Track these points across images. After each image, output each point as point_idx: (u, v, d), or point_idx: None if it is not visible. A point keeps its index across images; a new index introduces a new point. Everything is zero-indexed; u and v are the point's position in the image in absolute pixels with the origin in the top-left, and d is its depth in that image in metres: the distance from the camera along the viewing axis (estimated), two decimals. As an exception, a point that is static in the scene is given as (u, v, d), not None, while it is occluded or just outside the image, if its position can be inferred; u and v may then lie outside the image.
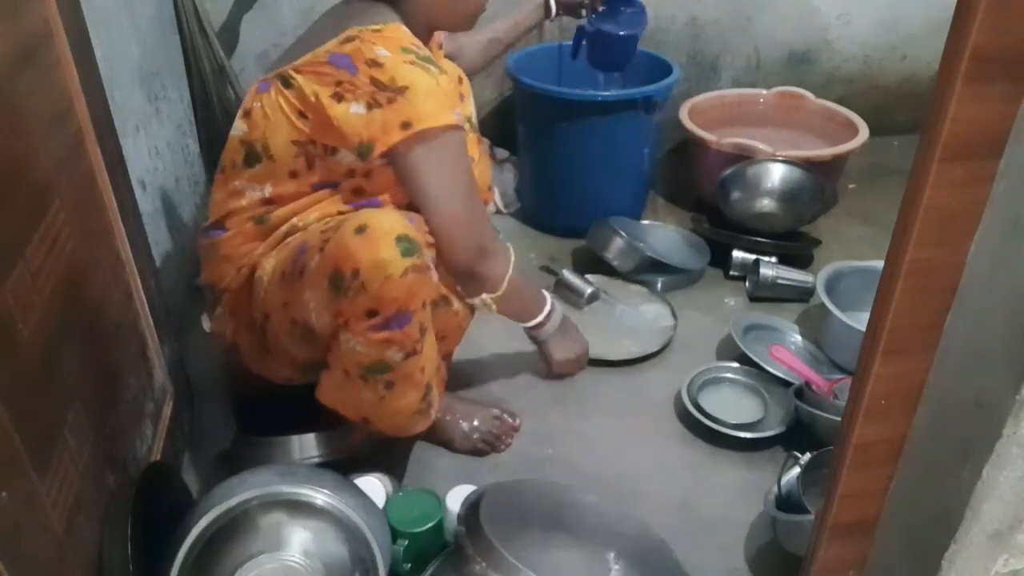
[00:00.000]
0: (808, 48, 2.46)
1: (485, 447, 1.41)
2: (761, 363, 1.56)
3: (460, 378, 1.57)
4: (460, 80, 1.40)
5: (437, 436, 1.40)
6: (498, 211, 2.08)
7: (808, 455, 1.23)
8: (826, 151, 2.02)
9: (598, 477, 1.36)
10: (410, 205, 1.23)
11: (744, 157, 1.97)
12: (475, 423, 1.41)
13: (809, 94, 2.29)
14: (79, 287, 1.02)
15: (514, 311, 1.39)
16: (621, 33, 1.74)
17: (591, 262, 1.90)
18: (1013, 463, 0.72)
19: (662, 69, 2.03)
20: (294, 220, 1.21)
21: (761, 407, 1.50)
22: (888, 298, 0.77)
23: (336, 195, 1.21)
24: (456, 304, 1.27)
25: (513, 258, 1.30)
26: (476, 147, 1.36)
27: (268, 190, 1.21)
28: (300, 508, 1.02)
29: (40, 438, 0.84)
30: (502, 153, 2.29)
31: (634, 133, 1.98)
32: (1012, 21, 0.64)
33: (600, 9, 1.73)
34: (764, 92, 2.34)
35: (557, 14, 1.68)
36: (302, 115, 1.15)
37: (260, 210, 1.23)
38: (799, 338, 1.72)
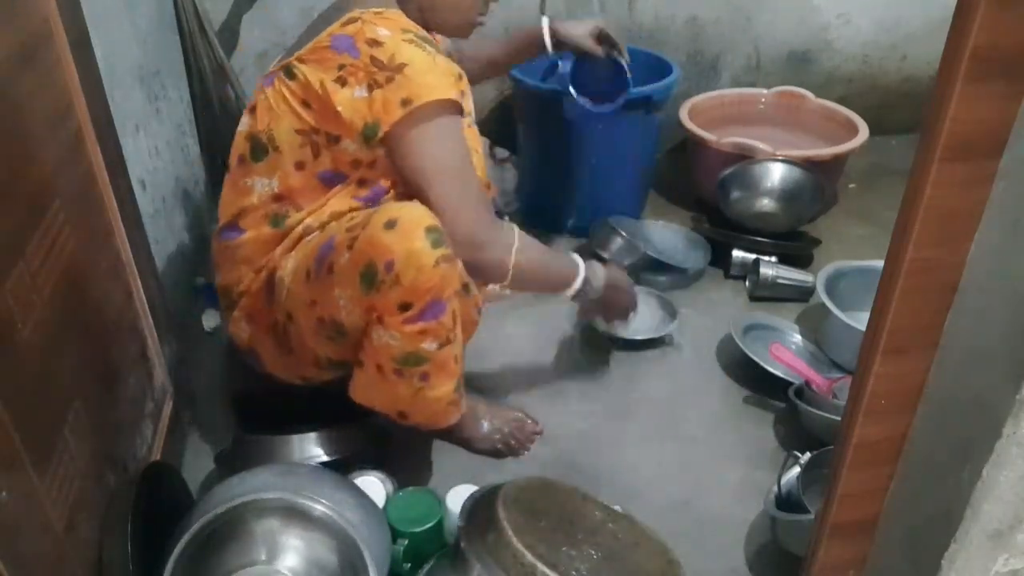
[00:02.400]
0: (808, 48, 2.46)
1: (504, 448, 1.41)
2: (761, 363, 1.56)
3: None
4: (460, 77, 1.40)
5: (457, 434, 1.40)
6: (498, 212, 2.08)
7: (808, 455, 1.23)
8: (826, 151, 2.02)
9: (598, 477, 1.36)
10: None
11: (744, 157, 1.97)
12: (496, 424, 1.41)
13: (809, 94, 2.29)
14: (79, 287, 1.02)
15: (538, 289, 1.37)
16: (585, 107, 1.77)
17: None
18: (1013, 463, 0.72)
19: (662, 69, 2.03)
20: (308, 220, 1.22)
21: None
22: (888, 298, 0.77)
23: (345, 189, 1.22)
24: (473, 291, 1.28)
25: (518, 241, 1.25)
26: (477, 141, 1.35)
27: (276, 184, 1.21)
28: (295, 513, 1.02)
29: (40, 438, 0.84)
30: (502, 153, 2.28)
31: (634, 133, 1.98)
32: (1012, 21, 0.64)
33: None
34: (764, 92, 2.34)
35: (553, 51, 1.65)
36: (306, 104, 1.16)
37: (272, 207, 1.23)
38: (799, 338, 1.72)
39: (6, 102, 0.87)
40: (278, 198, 1.22)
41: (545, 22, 1.62)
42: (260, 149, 1.21)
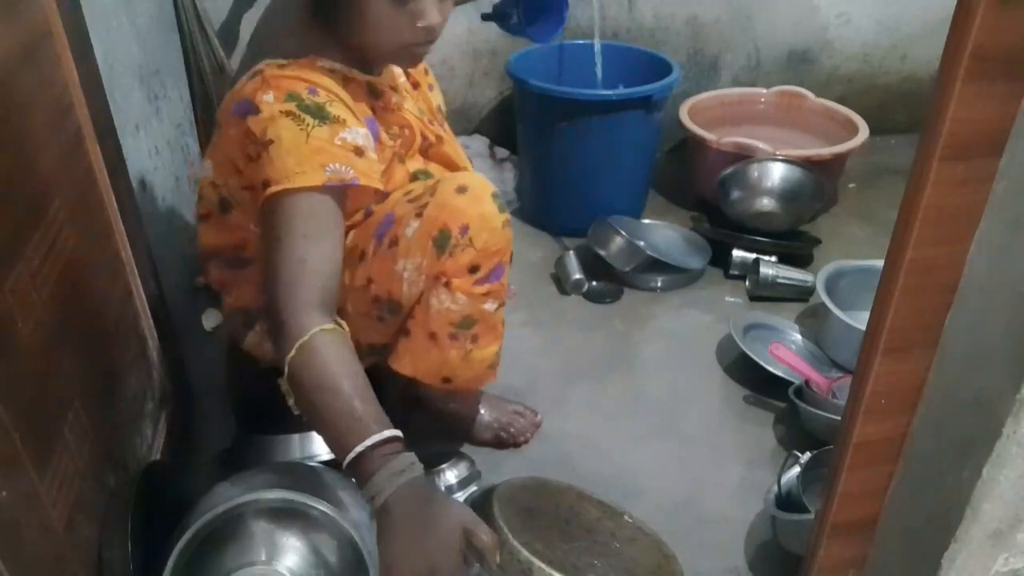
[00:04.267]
0: (808, 47, 2.46)
1: (505, 437, 1.43)
2: (761, 362, 1.56)
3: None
4: (425, 71, 1.37)
5: (460, 424, 1.41)
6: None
7: (808, 454, 1.23)
8: (826, 150, 2.02)
9: (598, 476, 1.36)
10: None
11: (744, 156, 1.97)
12: (496, 415, 1.43)
13: (809, 93, 2.29)
14: (79, 287, 1.02)
15: (311, 417, 0.98)
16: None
17: (591, 261, 1.90)
18: (1013, 462, 0.73)
19: (662, 68, 2.03)
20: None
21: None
22: (888, 297, 0.77)
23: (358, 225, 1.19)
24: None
25: (314, 347, 0.94)
26: (441, 136, 1.32)
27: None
28: (295, 514, 1.02)
29: (40, 438, 0.84)
30: (502, 153, 2.29)
31: (634, 132, 1.98)
32: (1012, 21, 0.64)
33: None
34: (764, 91, 2.34)
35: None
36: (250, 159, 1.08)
37: None
38: (799, 337, 1.72)
39: (6, 102, 0.87)
40: None
41: None
42: (224, 205, 1.18)
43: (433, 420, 1.39)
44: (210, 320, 1.74)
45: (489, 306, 1.19)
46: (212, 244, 1.25)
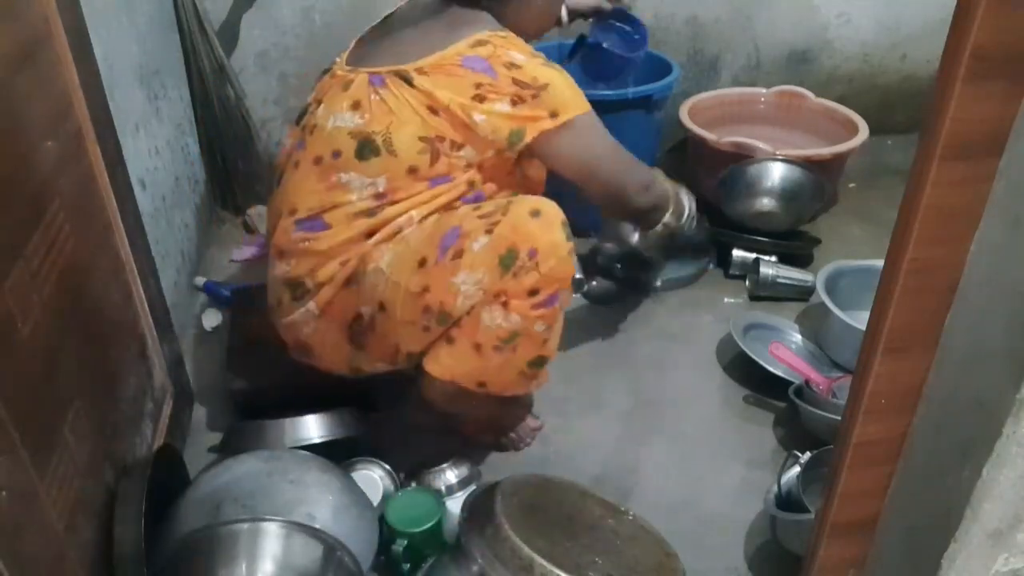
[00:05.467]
0: (808, 47, 2.45)
1: (506, 442, 1.44)
2: (761, 362, 1.56)
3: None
4: None
5: (461, 426, 1.42)
6: None
7: (808, 454, 1.23)
8: (826, 150, 2.02)
9: (598, 476, 1.36)
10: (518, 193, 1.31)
11: (744, 156, 1.97)
12: (498, 417, 1.43)
13: (809, 93, 2.28)
14: (79, 287, 1.02)
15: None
16: (619, 52, 1.80)
17: (592, 261, 1.89)
18: (1013, 462, 0.72)
19: (662, 68, 2.03)
20: (412, 213, 1.22)
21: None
22: (888, 297, 0.77)
23: (453, 190, 1.24)
24: None
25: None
26: None
27: (382, 184, 1.21)
28: (269, 524, 1.03)
29: (40, 438, 0.84)
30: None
31: (634, 132, 1.98)
32: (1012, 20, 0.64)
33: (607, 22, 1.77)
34: (764, 91, 2.34)
35: (568, 22, 1.68)
36: (433, 112, 1.19)
37: (370, 204, 1.22)
38: (799, 337, 1.72)
39: (6, 102, 0.87)
40: (379, 196, 1.22)
41: None
42: (370, 149, 1.20)
43: (437, 420, 1.39)
44: (210, 320, 1.74)
45: (539, 327, 1.21)
46: (304, 195, 1.26)
